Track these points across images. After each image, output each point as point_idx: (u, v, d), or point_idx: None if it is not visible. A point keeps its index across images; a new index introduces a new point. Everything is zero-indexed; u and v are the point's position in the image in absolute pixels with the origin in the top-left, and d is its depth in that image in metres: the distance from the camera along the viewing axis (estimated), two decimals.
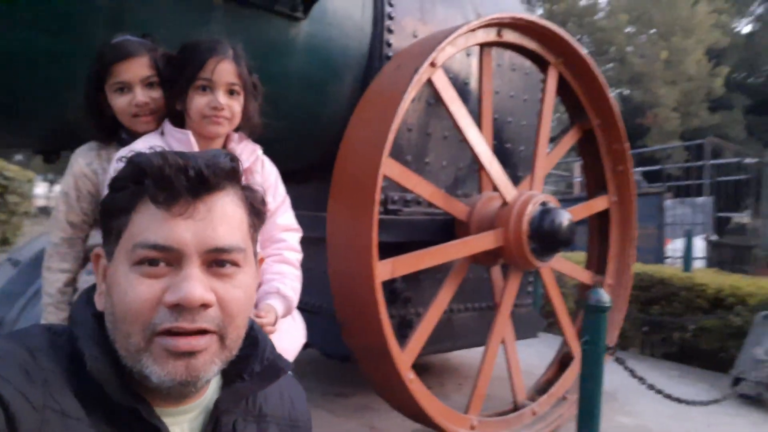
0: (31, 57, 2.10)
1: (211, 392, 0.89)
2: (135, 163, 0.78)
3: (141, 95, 1.68)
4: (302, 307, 3.22)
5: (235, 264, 0.80)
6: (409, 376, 2.38)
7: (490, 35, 2.80)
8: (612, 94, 3.57)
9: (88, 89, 1.73)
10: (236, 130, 1.71)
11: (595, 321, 2.14)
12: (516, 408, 2.98)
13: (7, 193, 6.42)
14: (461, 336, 3.36)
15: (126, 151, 1.59)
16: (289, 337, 1.71)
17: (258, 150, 1.74)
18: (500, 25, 2.80)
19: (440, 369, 4.09)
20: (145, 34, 1.81)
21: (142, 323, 0.75)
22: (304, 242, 3.20)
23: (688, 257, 5.96)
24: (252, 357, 0.89)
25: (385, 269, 2.33)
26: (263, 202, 0.90)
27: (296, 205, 3.38)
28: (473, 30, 2.66)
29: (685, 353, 4.79)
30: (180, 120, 1.66)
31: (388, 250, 2.48)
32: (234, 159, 0.84)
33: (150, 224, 0.76)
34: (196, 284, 0.75)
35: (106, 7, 2.17)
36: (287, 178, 3.48)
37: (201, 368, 0.77)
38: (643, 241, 6.72)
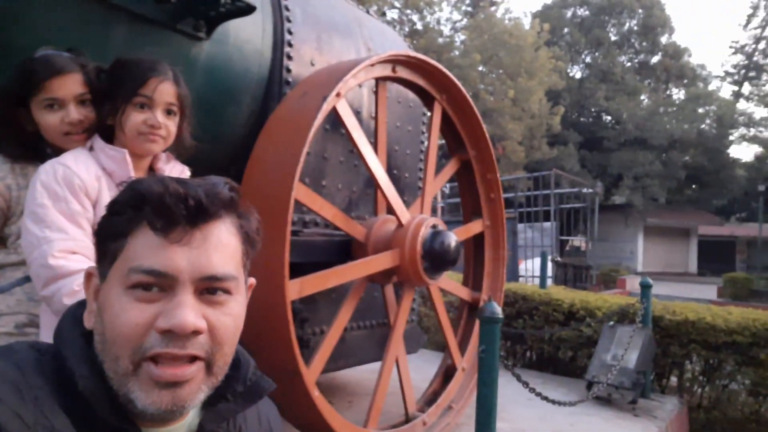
0: None
1: (194, 412, 0.89)
2: (135, 190, 0.80)
3: (75, 113, 1.63)
4: None
5: (226, 292, 0.82)
6: (315, 394, 2.44)
7: (386, 70, 3.00)
8: None
9: (5, 104, 1.63)
10: (165, 150, 1.71)
11: (490, 332, 2.38)
12: (408, 420, 3.15)
13: None
14: (354, 353, 3.47)
15: (54, 165, 1.52)
16: None
17: (186, 171, 1.75)
18: (396, 61, 3.02)
19: (327, 388, 4.15)
20: (71, 48, 1.75)
21: (132, 347, 0.76)
22: None
23: (543, 276, 6.64)
24: (235, 378, 0.90)
25: (294, 289, 2.39)
26: (258, 231, 0.93)
27: None
28: (372, 65, 2.84)
29: (544, 362, 5.33)
30: (107, 135, 1.63)
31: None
32: (233, 188, 0.87)
33: (146, 250, 0.78)
34: (189, 311, 0.77)
35: None
36: None
37: (186, 397, 0.78)
38: None
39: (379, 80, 3.07)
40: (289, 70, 3.07)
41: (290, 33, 3.11)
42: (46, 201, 1.49)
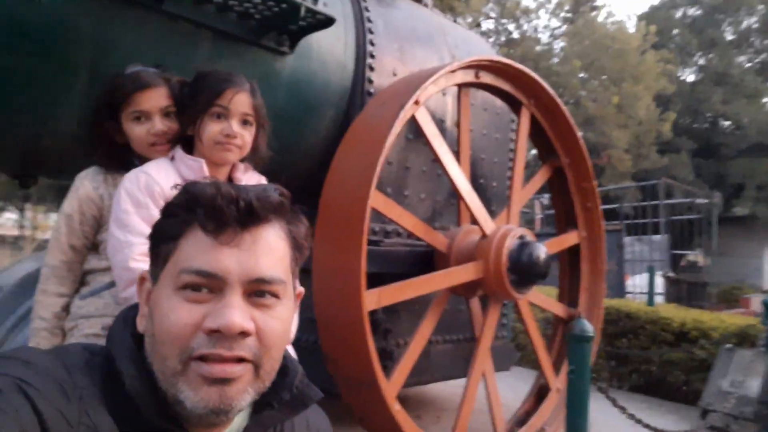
0: (8, 77, 2.09)
1: (240, 420, 0.88)
2: (189, 192, 0.81)
3: (160, 124, 1.71)
4: None
5: (275, 295, 0.82)
6: (396, 407, 2.38)
7: (468, 76, 2.92)
8: None
9: (98, 117, 1.75)
10: (242, 160, 1.74)
11: (579, 351, 2.21)
12: None
13: None
14: (439, 368, 3.37)
15: (138, 173, 1.60)
16: None
17: (263, 180, 1.77)
18: (478, 67, 2.93)
19: (417, 401, 4.07)
20: (158, 65, 1.86)
21: (180, 347, 0.76)
22: None
23: (651, 292, 6.16)
24: (281, 385, 0.88)
25: (371, 299, 2.35)
26: (306, 237, 0.91)
27: None
28: (453, 71, 2.77)
29: (651, 386, 4.91)
30: (188, 146, 1.69)
31: (368, 281, 2.50)
32: (283, 194, 0.86)
33: (197, 251, 0.78)
34: (237, 312, 0.76)
35: (91, 33, 2.18)
36: None
37: (234, 396, 0.77)
38: None
39: (462, 87, 2.99)
40: (371, 81, 3.07)
41: (372, 44, 3.11)
42: (129, 207, 1.56)
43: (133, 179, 1.60)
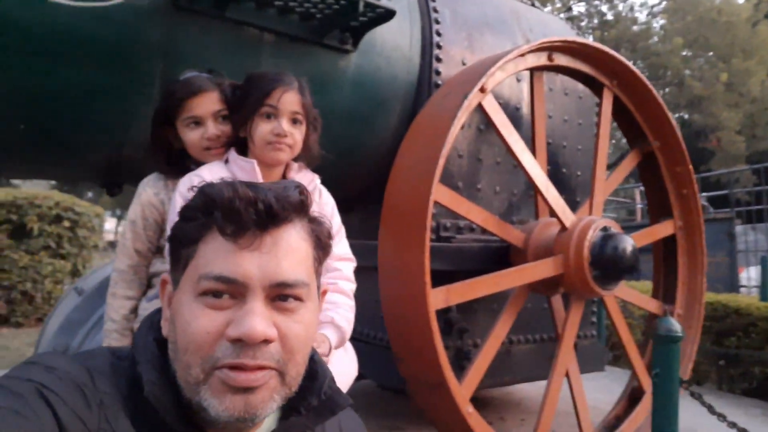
0: (87, 92, 2.21)
1: (267, 425, 0.86)
2: (206, 194, 0.78)
3: (213, 128, 1.74)
4: (356, 338, 3.20)
5: (298, 299, 0.79)
6: (468, 410, 2.28)
7: (540, 59, 2.75)
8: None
9: (156, 124, 1.80)
10: (295, 159, 1.73)
11: (666, 352, 2.00)
12: None
13: (77, 228, 6.76)
14: (521, 369, 3.22)
15: (191, 177, 1.63)
16: (341, 369, 1.67)
17: (316, 179, 1.75)
18: (551, 48, 2.75)
19: (501, 403, 3.93)
20: (211, 69, 1.88)
21: (203, 356, 0.74)
22: (356, 271, 3.20)
23: (765, 285, 5.58)
24: (310, 390, 0.86)
25: (439, 297, 2.27)
26: (329, 236, 0.88)
27: (346, 235, 3.41)
28: (523, 55, 2.62)
29: (767, 390, 4.44)
30: (243, 148, 1.70)
31: (441, 279, 2.42)
32: (303, 192, 0.83)
33: (216, 256, 0.76)
34: (259, 319, 0.74)
35: (160, 44, 2.26)
36: None
37: (259, 405, 0.75)
38: (713, 270, 6.37)
39: (534, 71, 2.82)
40: (438, 73, 2.98)
41: (439, 35, 3.01)
42: None
43: (186, 183, 1.63)
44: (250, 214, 0.75)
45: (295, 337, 0.78)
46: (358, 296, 3.21)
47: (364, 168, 3.08)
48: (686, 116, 20.41)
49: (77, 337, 2.07)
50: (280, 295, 0.77)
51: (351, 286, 1.74)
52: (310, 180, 1.76)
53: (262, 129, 1.64)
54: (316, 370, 0.88)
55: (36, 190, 7.30)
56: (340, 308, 1.64)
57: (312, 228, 0.84)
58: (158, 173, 1.86)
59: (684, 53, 19.43)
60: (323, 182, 3.14)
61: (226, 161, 1.72)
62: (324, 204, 1.76)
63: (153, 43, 2.29)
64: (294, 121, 1.67)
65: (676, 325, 2.03)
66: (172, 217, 1.64)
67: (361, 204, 3.28)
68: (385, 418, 3.49)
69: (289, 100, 1.64)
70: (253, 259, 0.75)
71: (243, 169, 1.66)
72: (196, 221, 0.78)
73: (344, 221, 3.44)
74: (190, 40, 2.37)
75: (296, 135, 1.67)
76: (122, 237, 1.81)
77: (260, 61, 2.53)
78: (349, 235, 3.37)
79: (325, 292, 0.94)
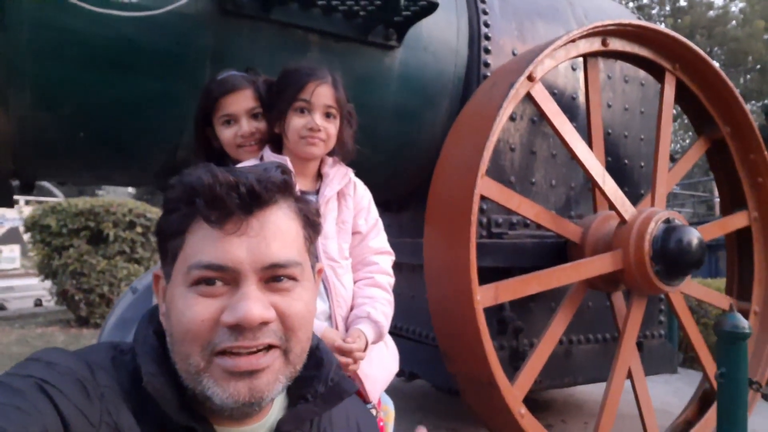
0: (143, 100, 2.29)
1: (275, 412, 0.86)
2: (185, 183, 0.78)
3: (246, 126, 1.74)
4: (409, 337, 3.17)
5: (292, 278, 0.78)
6: (520, 411, 2.20)
7: (593, 45, 2.63)
8: (754, 107, 3.19)
9: (197, 125, 1.82)
10: (330, 154, 1.72)
11: (732, 350, 1.85)
12: None
13: (149, 233, 7.09)
14: (583, 370, 3.09)
15: None
16: (380, 365, 1.64)
17: (350, 173, 1.73)
18: (604, 33, 2.62)
19: (563, 405, 3.79)
20: (249, 68, 1.90)
21: (201, 344, 0.74)
22: (408, 270, 3.18)
23: None
24: (317, 378, 0.86)
25: (487, 295, 2.20)
26: (317, 213, 0.87)
27: (398, 233, 3.39)
28: (574, 41, 2.51)
29: None
30: (279, 145, 1.70)
31: (494, 277, 2.36)
32: (286, 171, 0.82)
33: (204, 244, 0.75)
34: (254, 303, 0.73)
35: (210, 48, 2.32)
36: (386, 207, 3.49)
37: (264, 388, 0.75)
38: None
39: (588, 57, 2.70)
40: (487, 65, 2.91)
41: (487, 26, 2.94)
42: None
43: None
44: (233, 199, 0.74)
45: (296, 314, 0.77)
46: (413, 294, 3.20)
47: (414, 165, 3.05)
48: None
49: (130, 334, 2.14)
50: (274, 276, 0.76)
51: (389, 279, 1.71)
52: (344, 174, 1.73)
53: (296, 123, 1.63)
54: (322, 358, 0.88)
55: (111, 198, 7.71)
56: (377, 302, 1.61)
57: (299, 207, 0.83)
58: None
59: (766, 37, 18.21)
60: (376, 182, 3.14)
61: (261, 159, 1.73)
62: (360, 197, 1.73)
63: (203, 48, 2.35)
64: (327, 116, 1.65)
65: (742, 321, 1.88)
66: None
67: (414, 202, 3.25)
68: (441, 419, 3.44)
69: (323, 93, 1.63)
70: (242, 244, 0.74)
71: None
72: (179, 212, 0.78)
73: (397, 219, 3.47)
74: (238, 43, 2.42)
75: (330, 129, 1.65)
76: None
77: (307, 61, 2.55)
78: (403, 234, 3.37)
79: (320, 271, 0.93)
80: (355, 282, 1.66)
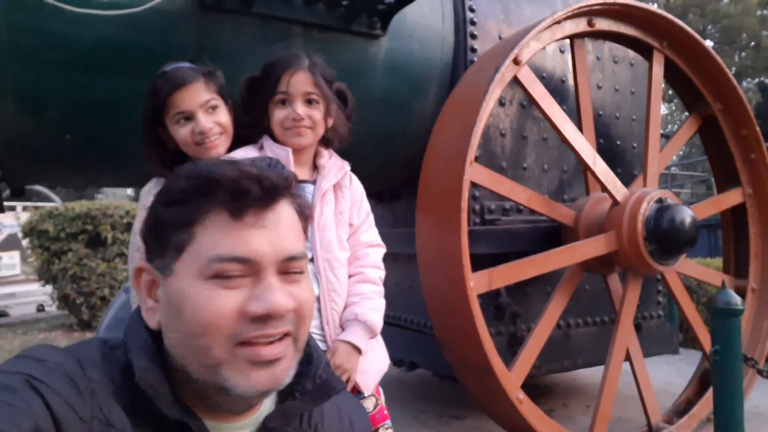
0: (127, 99, 2.26)
1: (266, 408, 0.86)
2: (203, 175, 0.77)
3: (204, 122, 1.62)
4: (408, 326, 3.17)
5: (301, 271, 0.81)
6: (518, 396, 2.20)
7: (579, 26, 2.60)
8: (750, 84, 3.16)
9: (146, 126, 1.68)
10: (327, 142, 1.69)
11: (725, 326, 1.84)
12: (650, 431, 2.65)
13: None
14: (582, 353, 3.08)
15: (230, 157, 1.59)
16: (373, 358, 1.64)
17: (346, 166, 1.71)
18: (590, 13, 2.60)
19: (564, 390, 3.79)
20: (194, 59, 1.79)
21: (224, 335, 0.74)
22: (404, 260, 3.17)
23: None
24: (306, 374, 0.86)
25: (481, 281, 2.19)
26: (309, 206, 0.89)
27: (392, 223, 3.37)
28: (559, 22, 2.48)
29: None
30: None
31: (490, 263, 2.34)
32: (284, 166, 0.87)
33: (223, 236, 0.75)
34: (281, 294, 0.76)
35: (192, 45, 2.30)
36: (379, 197, 3.48)
37: (281, 375, 0.78)
38: None
39: (574, 38, 2.67)
40: (474, 50, 2.88)
41: (472, 11, 2.92)
42: None
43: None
44: (257, 191, 0.75)
45: (306, 303, 0.80)
46: (410, 284, 3.19)
47: (405, 154, 3.03)
48: (766, 80, 19.02)
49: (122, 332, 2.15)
50: (288, 269, 0.79)
51: (379, 273, 1.69)
52: (340, 167, 1.71)
53: (278, 116, 1.61)
54: (311, 354, 0.88)
55: (109, 201, 7.69)
56: (366, 299, 1.60)
57: (295, 200, 0.85)
58: (156, 178, 1.70)
59: (759, 13, 18.11)
60: (366, 170, 3.11)
61: (261, 147, 1.69)
62: (354, 190, 1.71)
63: (185, 45, 2.32)
64: (309, 102, 1.62)
65: (735, 298, 1.87)
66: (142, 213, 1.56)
67: (407, 191, 3.24)
68: (444, 406, 3.44)
69: (299, 81, 1.59)
70: (261, 237, 0.76)
71: (278, 156, 1.58)
72: (188, 204, 0.77)
73: (391, 210, 3.45)
74: (220, 38, 2.40)
75: (314, 115, 1.61)
76: (130, 251, 1.68)
77: (290, 52, 2.53)
78: (397, 224, 3.36)
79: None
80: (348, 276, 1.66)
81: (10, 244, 9.99)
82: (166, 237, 0.79)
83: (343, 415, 0.95)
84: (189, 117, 1.63)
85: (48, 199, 12.36)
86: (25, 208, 11.17)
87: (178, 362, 0.77)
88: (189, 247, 0.76)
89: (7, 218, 10.15)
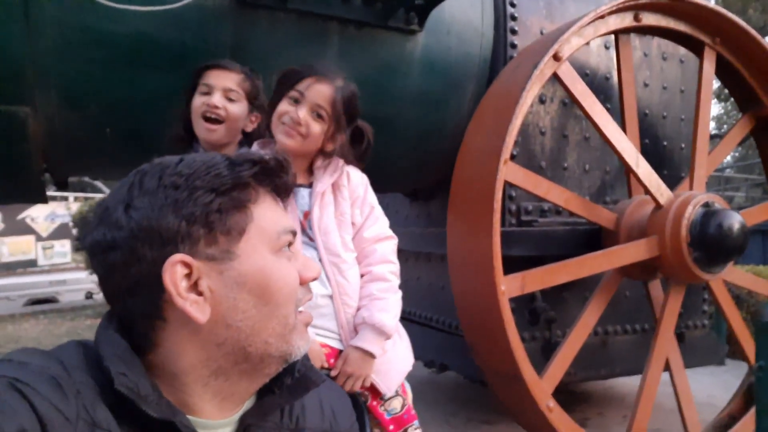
0: (166, 95, 2.29)
1: (247, 405, 0.86)
2: (256, 160, 0.82)
3: (217, 99, 1.75)
4: (440, 327, 3.12)
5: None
6: (548, 404, 2.13)
7: (625, 21, 2.50)
8: None
9: (186, 100, 1.84)
10: (328, 155, 1.64)
11: None
12: None
13: None
14: (621, 361, 2.97)
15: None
16: (395, 357, 1.60)
17: (341, 163, 1.65)
18: (637, 7, 2.48)
19: (602, 398, 3.67)
20: (252, 69, 1.91)
21: (294, 301, 0.82)
22: (436, 260, 3.12)
23: None
24: (284, 369, 0.86)
25: (514, 284, 2.13)
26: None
27: (426, 223, 3.33)
28: (603, 17, 2.39)
29: None
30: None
31: (526, 266, 2.27)
32: (287, 161, 0.90)
33: (275, 213, 0.83)
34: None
35: (229, 41, 2.31)
36: (413, 196, 3.44)
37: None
38: None
39: (619, 34, 2.57)
40: (514, 46, 2.81)
41: (513, 6, 2.84)
42: None
43: None
44: (289, 177, 0.85)
45: None
46: (442, 285, 3.14)
47: (440, 152, 2.98)
48: None
49: None
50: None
51: (390, 267, 1.62)
52: (336, 166, 1.65)
53: (281, 109, 1.56)
54: None
55: None
56: (374, 300, 1.55)
57: None
58: None
59: None
60: (401, 169, 3.07)
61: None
62: (355, 186, 1.63)
63: (221, 42, 2.34)
64: (317, 115, 1.58)
65: None
66: None
67: (441, 190, 3.19)
68: (475, 411, 3.38)
69: (318, 90, 1.55)
70: (287, 214, 0.86)
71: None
72: (242, 188, 0.80)
73: (425, 209, 3.41)
74: (256, 35, 2.40)
75: (313, 127, 1.55)
76: None
77: (326, 49, 2.52)
78: (431, 223, 3.31)
79: None
80: None
81: (62, 233, 10.38)
82: (221, 223, 0.77)
83: (325, 406, 0.94)
84: (209, 91, 1.78)
85: (99, 191, 12.80)
86: (76, 199, 11.58)
87: (248, 347, 0.79)
88: (251, 226, 0.79)
89: (59, 208, 10.54)
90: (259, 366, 0.81)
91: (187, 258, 0.78)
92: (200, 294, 0.77)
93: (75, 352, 0.79)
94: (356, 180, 1.64)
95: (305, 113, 1.54)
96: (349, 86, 1.62)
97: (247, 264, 0.78)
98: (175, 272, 0.79)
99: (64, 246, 10.37)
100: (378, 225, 1.64)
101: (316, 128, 1.56)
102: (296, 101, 1.56)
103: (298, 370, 0.87)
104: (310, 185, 1.61)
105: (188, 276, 0.78)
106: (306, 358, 0.89)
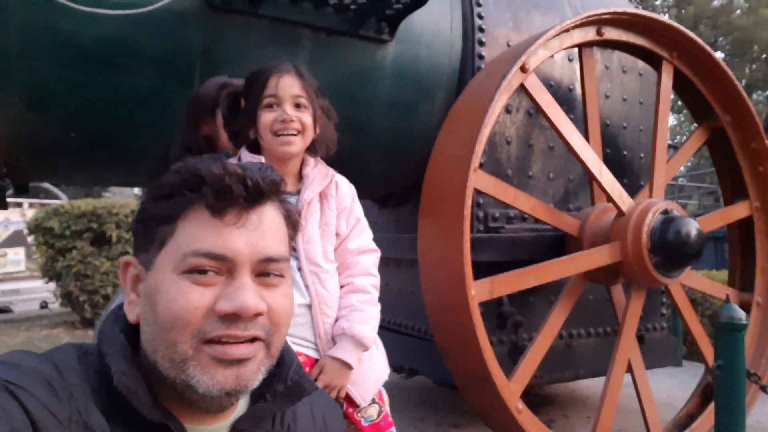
0: (134, 98, 2.27)
1: (239, 411, 0.85)
2: (191, 170, 0.77)
3: (290, 111, 1.74)
4: (409, 333, 3.15)
5: (280, 274, 0.80)
6: (517, 406, 2.18)
7: (588, 34, 2.59)
8: (760, 97, 3.13)
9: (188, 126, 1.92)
10: (313, 150, 1.65)
11: (729, 342, 1.82)
12: None
13: None
14: (585, 364, 3.06)
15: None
16: (370, 367, 1.61)
17: (330, 171, 1.66)
18: (599, 22, 2.59)
19: (566, 400, 3.76)
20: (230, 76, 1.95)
21: (192, 331, 0.74)
22: (407, 265, 3.15)
23: None
24: (277, 376, 0.86)
25: (483, 289, 2.18)
26: (299, 213, 0.89)
27: (396, 228, 3.36)
28: (568, 30, 2.47)
29: None
30: (258, 148, 1.65)
31: (494, 272, 2.32)
32: (275, 170, 0.84)
33: (202, 232, 0.75)
34: (252, 294, 0.75)
35: (200, 45, 2.30)
36: (384, 202, 3.47)
37: (249, 377, 0.76)
38: None
39: (583, 47, 2.66)
40: (481, 57, 2.87)
41: (481, 17, 2.91)
42: None
43: None
44: (240, 191, 0.75)
45: (281, 309, 0.79)
46: (412, 290, 3.18)
47: (411, 159, 3.02)
48: None
49: None
50: (265, 270, 0.78)
51: (370, 280, 1.63)
52: (325, 174, 1.66)
53: (266, 119, 1.55)
54: (283, 356, 0.87)
55: (114, 200, 7.71)
56: (354, 311, 1.56)
57: (283, 206, 0.85)
58: None
59: None
60: (374, 178, 3.09)
61: (238, 159, 1.67)
62: (342, 197, 1.65)
63: (192, 46, 2.33)
64: (298, 106, 1.58)
65: (739, 312, 1.84)
66: None
67: (412, 196, 3.23)
68: (444, 414, 3.42)
69: (288, 84, 1.56)
70: (241, 236, 0.76)
71: None
72: (175, 198, 0.77)
73: (395, 215, 3.44)
74: (228, 39, 2.40)
75: (304, 119, 1.56)
76: None
77: (297, 56, 2.52)
78: (401, 229, 3.35)
79: None
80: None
81: (15, 240, 10.04)
82: (152, 231, 0.78)
83: (317, 414, 0.95)
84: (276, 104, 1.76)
85: (55, 197, 12.42)
86: (31, 205, 11.22)
87: (150, 358, 0.77)
88: (170, 241, 0.77)
89: (13, 215, 10.20)
90: (175, 386, 0.76)
91: (132, 259, 0.82)
92: (139, 296, 0.80)
93: (69, 355, 0.79)
94: (344, 190, 1.65)
95: (291, 109, 1.55)
96: (299, 67, 1.63)
97: (153, 277, 0.77)
98: (125, 271, 0.83)
99: (18, 254, 10.03)
100: (363, 237, 1.64)
101: (307, 118, 1.57)
102: (273, 105, 1.56)
103: (291, 378, 0.86)
104: (298, 192, 1.60)
105: (137, 276, 0.81)
106: (299, 365, 0.88)
